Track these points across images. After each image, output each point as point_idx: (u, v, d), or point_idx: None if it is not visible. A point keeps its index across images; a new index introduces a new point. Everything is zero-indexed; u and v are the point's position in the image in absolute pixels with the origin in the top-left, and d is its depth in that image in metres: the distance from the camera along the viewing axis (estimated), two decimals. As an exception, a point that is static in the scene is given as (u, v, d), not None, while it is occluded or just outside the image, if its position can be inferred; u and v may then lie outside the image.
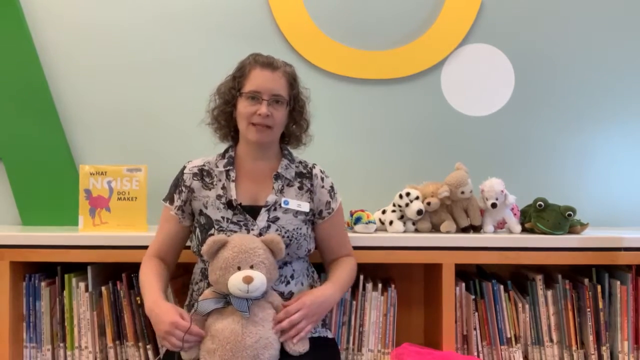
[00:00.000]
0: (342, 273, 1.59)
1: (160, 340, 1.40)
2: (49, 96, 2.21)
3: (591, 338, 1.76)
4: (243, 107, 1.53)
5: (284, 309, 1.43)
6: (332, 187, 1.63)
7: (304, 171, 1.62)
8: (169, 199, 1.62)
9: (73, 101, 2.25)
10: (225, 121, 1.61)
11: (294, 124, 1.63)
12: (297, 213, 1.56)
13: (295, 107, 1.60)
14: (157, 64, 2.27)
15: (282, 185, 1.58)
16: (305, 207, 1.57)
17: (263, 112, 1.50)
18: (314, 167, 1.64)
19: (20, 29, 2.19)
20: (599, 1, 2.29)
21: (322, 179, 1.62)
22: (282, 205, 1.55)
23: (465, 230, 1.87)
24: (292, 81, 1.58)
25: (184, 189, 1.59)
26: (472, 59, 2.29)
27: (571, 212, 1.78)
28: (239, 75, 1.56)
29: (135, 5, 2.27)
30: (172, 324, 1.35)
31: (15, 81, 2.18)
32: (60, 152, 2.20)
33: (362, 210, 1.86)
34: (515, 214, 1.90)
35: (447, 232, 1.85)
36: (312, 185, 1.60)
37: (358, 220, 1.83)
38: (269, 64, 1.54)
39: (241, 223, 1.53)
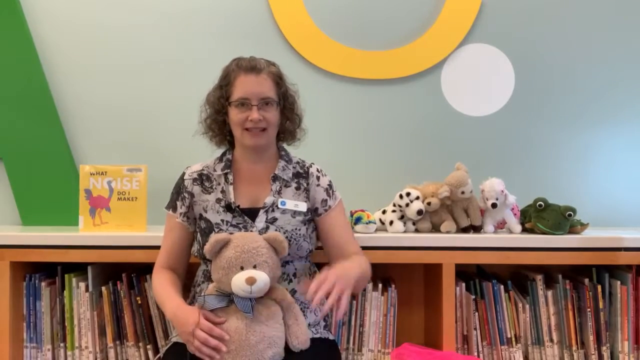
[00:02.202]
0: (355, 260, 1.53)
1: (185, 342, 1.41)
2: (49, 96, 2.21)
3: (591, 338, 1.76)
4: (234, 114, 1.54)
5: (312, 283, 1.34)
6: (329, 185, 1.63)
7: (301, 171, 1.63)
8: (172, 206, 1.63)
9: (73, 101, 2.25)
10: (219, 129, 1.62)
11: (287, 121, 1.63)
12: (294, 213, 1.56)
13: (285, 105, 1.60)
14: (157, 64, 2.27)
15: (280, 187, 1.58)
16: (302, 207, 1.57)
17: (255, 117, 1.51)
18: (311, 167, 1.64)
19: (20, 29, 2.19)
20: (598, 1, 2.28)
21: (318, 177, 1.62)
22: (280, 206, 1.56)
23: (465, 230, 1.87)
24: (279, 80, 1.58)
25: (186, 195, 1.60)
26: (472, 59, 2.28)
27: (571, 212, 1.78)
28: (225, 84, 1.56)
29: (136, 5, 2.27)
30: (195, 324, 1.36)
31: (15, 81, 2.18)
32: (60, 152, 2.20)
33: (362, 210, 1.86)
34: (515, 214, 1.90)
35: (447, 232, 1.85)
36: (308, 184, 1.61)
37: (358, 220, 1.82)
38: (252, 67, 1.53)
39: (240, 225, 1.54)
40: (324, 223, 1.61)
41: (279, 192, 1.57)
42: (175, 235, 1.62)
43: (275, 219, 1.55)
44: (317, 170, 1.64)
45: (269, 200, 1.56)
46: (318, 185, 1.61)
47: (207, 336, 1.34)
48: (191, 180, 1.61)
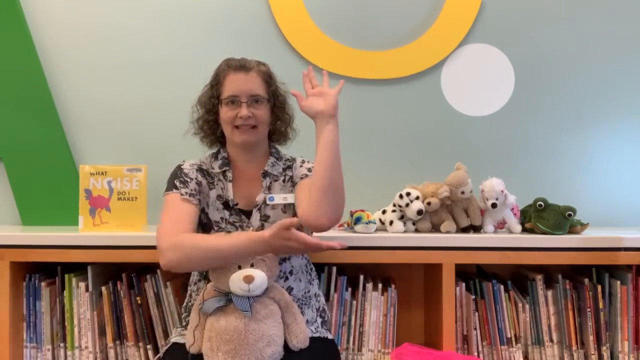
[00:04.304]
0: None
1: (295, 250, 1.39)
2: (49, 96, 2.21)
3: (591, 338, 1.76)
4: (224, 112, 1.55)
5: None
6: (311, 169, 1.55)
7: (290, 164, 1.63)
8: (173, 187, 1.54)
9: (73, 101, 2.25)
10: (210, 129, 1.62)
11: (278, 120, 1.63)
12: (285, 207, 1.57)
13: (275, 104, 1.61)
14: (157, 64, 2.27)
15: (270, 182, 1.59)
16: (290, 198, 1.57)
17: (244, 114, 1.51)
18: (298, 157, 1.65)
19: (20, 29, 2.19)
20: (598, 2, 2.28)
21: (303, 162, 1.62)
22: (268, 202, 1.56)
23: (465, 230, 1.87)
24: (268, 79, 1.58)
25: (189, 180, 1.55)
26: (472, 59, 2.28)
27: (571, 212, 1.78)
28: (215, 83, 1.58)
29: (135, 5, 2.27)
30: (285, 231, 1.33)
31: (15, 81, 2.18)
32: (60, 152, 2.20)
33: (362, 210, 1.86)
34: (515, 214, 1.90)
35: (447, 232, 1.85)
36: (292, 170, 1.61)
37: (358, 220, 1.82)
38: (242, 66, 1.55)
39: (237, 224, 1.55)
40: (303, 185, 1.53)
41: (269, 189, 1.58)
42: (183, 208, 1.50)
43: (267, 217, 1.55)
44: (302, 159, 1.64)
45: (259, 197, 1.57)
46: (301, 166, 1.60)
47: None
48: (194, 170, 1.58)
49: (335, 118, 1.47)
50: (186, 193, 1.52)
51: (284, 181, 1.60)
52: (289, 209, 1.57)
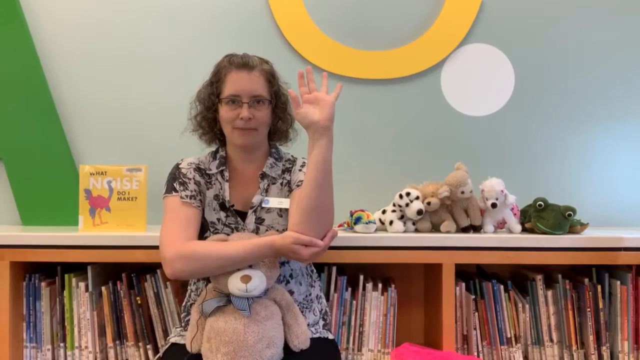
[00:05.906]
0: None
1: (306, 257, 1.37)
2: (49, 96, 2.21)
3: (591, 338, 1.76)
4: (224, 112, 1.50)
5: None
6: None
7: (290, 166, 1.59)
8: (172, 189, 1.52)
9: (73, 101, 2.25)
10: (209, 127, 1.59)
11: (279, 120, 1.59)
12: (281, 211, 1.54)
13: (277, 104, 1.57)
14: (157, 64, 2.27)
15: (268, 184, 1.56)
16: (286, 203, 1.53)
17: (245, 115, 1.47)
18: (299, 159, 1.61)
19: (20, 29, 2.19)
20: (597, 2, 2.29)
21: (303, 165, 1.57)
22: (263, 205, 1.53)
23: (465, 230, 1.87)
24: (271, 78, 1.54)
25: (187, 180, 1.53)
26: (472, 59, 2.28)
27: (571, 212, 1.78)
28: (216, 80, 1.53)
29: (135, 5, 2.27)
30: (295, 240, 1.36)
31: (15, 81, 2.18)
32: (60, 152, 2.20)
33: (362, 210, 1.86)
34: (515, 214, 1.90)
35: (447, 232, 1.85)
36: (290, 173, 1.57)
37: (358, 220, 1.82)
38: (245, 64, 1.50)
39: (232, 226, 1.53)
40: (295, 195, 1.48)
41: (266, 191, 1.55)
42: (186, 212, 1.48)
43: (262, 220, 1.53)
44: (303, 162, 1.59)
45: (255, 199, 1.54)
46: (300, 170, 1.56)
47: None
48: (192, 170, 1.55)
49: (330, 131, 1.39)
50: (186, 196, 1.51)
51: (281, 184, 1.57)
52: (285, 212, 1.53)
